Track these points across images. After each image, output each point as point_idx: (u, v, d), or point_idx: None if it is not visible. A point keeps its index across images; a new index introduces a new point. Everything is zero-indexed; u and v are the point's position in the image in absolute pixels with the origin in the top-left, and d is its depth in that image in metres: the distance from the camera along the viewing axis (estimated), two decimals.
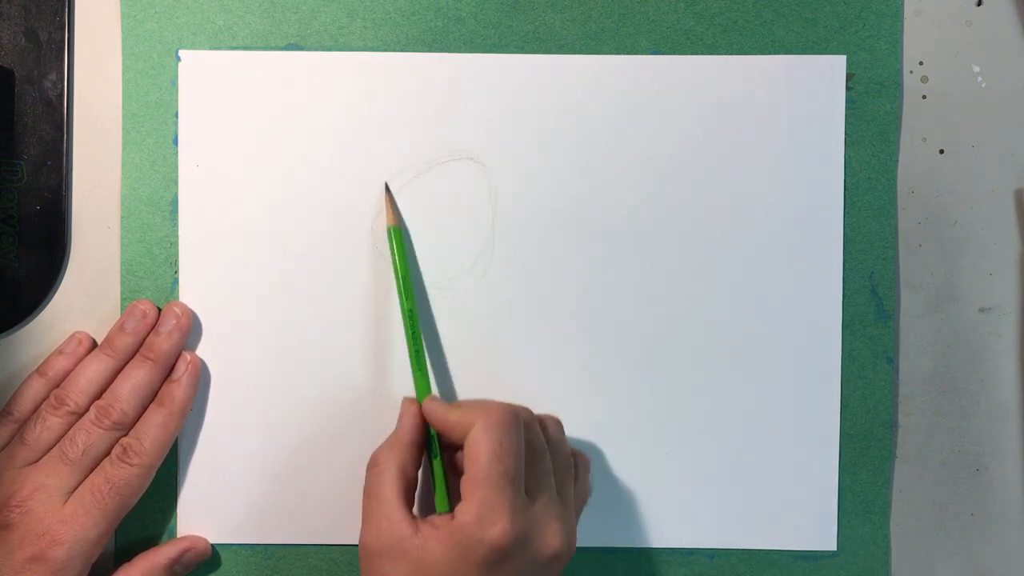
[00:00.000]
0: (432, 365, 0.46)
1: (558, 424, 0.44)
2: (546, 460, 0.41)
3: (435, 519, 0.39)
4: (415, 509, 0.40)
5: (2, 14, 0.45)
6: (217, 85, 0.46)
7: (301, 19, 0.46)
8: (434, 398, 0.43)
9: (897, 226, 0.47)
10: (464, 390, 0.46)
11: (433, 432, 0.42)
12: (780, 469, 0.46)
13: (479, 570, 0.37)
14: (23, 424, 0.43)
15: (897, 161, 0.47)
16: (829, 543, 0.46)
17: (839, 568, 0.47)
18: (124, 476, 0.42)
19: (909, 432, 0.47)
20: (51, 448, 0.43)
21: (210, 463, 0.46)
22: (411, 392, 0.45)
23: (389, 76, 0.46)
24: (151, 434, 0.43)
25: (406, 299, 0.44)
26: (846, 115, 0.46)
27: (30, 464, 0.42)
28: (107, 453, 0.43)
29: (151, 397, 0.44)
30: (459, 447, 0.41)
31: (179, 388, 0.44)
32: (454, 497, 0.41)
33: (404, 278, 0.44)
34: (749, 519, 0.46)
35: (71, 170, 0.46)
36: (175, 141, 0.46)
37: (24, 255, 0.46)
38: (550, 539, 0.39)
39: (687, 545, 0.46)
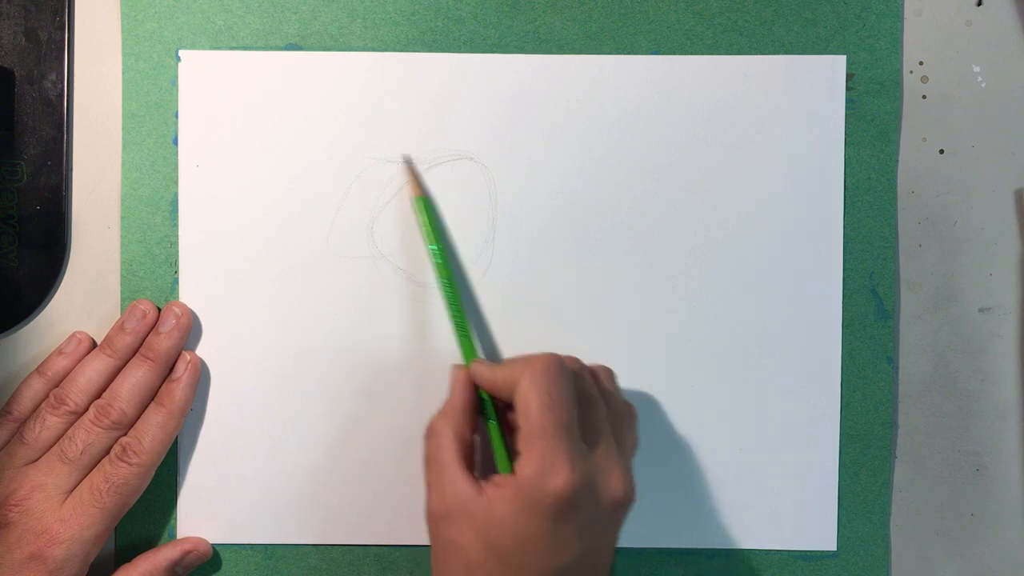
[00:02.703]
0: (432, 366, 0.46)
1: (610, 373, 0.43)
2: (600, 407, 0.40)
3: (497, 478, 0.38)
4: (478, 474, 0.40)
5: (2, 14, 0.45)
6: (217, 85, 0.46)
7: (301, 19, 0.46)
8: (481, 360, 0.43)
9: (897, 226, 0.47)
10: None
11: (485, 395, 0.42)
12: (780, 469, 0.46)
13: (547, 522, 0.37)
14: (23, 423, 0.43)
15: (897, 161, 0.47)
16: (829, 543, 0.46)
17: (839, 568, 0.47)
18: (123, 475, 0.42)
19: (909, 432, 0.47)
20: (50, 447, 0.43)
21: (210, 463, 0.46)
22: (409, 393, 0.45)
23: (389, 76, 0.46)
24: (150, 434, 0.43)
25: (443, 267, 0.44)
26: (846, 115, 0.46)
27: (29, 463, 0.42)
28: (106, 452, 0.43)
29: (151, 397, 0.44)
30: (512, 406, 0.40)
31: (179, 388, 0.44)
32: (513, 457, 0.40)
33: (438, 245, 0.44)
34: (749, 519, 0.46)
35: (71, 170, 0.46)
36: (175, 141, 0.46)
37: (24, 255, 0.46)
38: (613, 485, 0.38)
39: (687, 545, 0.46)
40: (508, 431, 0.42)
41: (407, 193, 0.45)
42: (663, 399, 0.46)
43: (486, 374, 0.41)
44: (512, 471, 0.38)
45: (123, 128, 0.46)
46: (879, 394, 0.46)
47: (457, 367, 0.43)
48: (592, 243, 0.46)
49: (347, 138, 0.46)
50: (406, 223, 0.46)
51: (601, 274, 0.46)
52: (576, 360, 0.42)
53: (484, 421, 0.42)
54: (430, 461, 0.40)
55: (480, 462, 0.43)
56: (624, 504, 0.39)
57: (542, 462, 0.37)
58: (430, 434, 0.41)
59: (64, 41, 0.46)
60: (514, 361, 0.41)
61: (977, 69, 0.47)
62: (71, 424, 0.43)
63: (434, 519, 0.39)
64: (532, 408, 0.38)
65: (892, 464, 0.47)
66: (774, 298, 0.46)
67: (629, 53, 0.46)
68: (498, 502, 0.37)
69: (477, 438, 0.42)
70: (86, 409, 0.43)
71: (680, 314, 0.46)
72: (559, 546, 0.37)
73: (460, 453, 0.40)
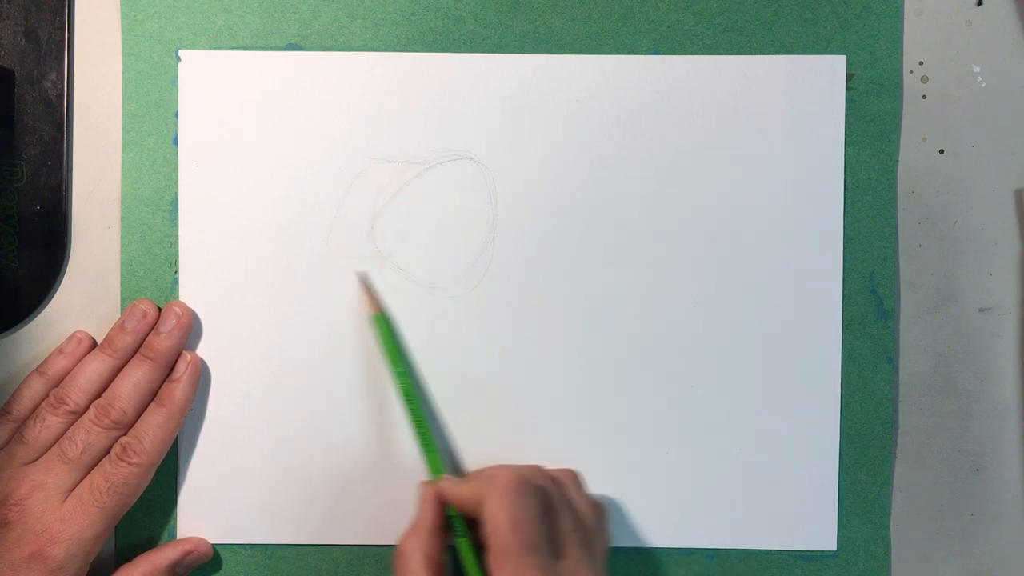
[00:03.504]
0: (431, 366, 0.46)
1: (574, 477, 0.44)
2: (566, 517, 0.40)
3: None
4: None
5: (2, 14, 0.45)
6: (217, 85, 0.46)
7: (301, 19, 0.46)
8: (447, 478, 0.43)
9: (897, 226, 0.47)
10: (463, 392, 0.46)
11: (452, 511, 0.42)
12: (780, 469, 0.46)
13: None
14: (23, 423, 0.43)
15: (897, 161, 0.47)
16: (829, 543, 0.46)
17: (839, 568, 0.47)
18: (123, 475, 0.42)
19: (909, 432, 0.47)
20: (50, 447, 0.43)
21: (210, 463, 0.46)
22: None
23: (389, 76, 0.46)
24: (150, 433, 0.43)
25: (407, 386, 0.44)
26: (846, 115, 0.46)
27: (29, 463, 0.42)
28: (106, 452, 0.43)
29: (151, 396, 0.44)
30: (480, 522, 0.41)
31: (179, 388, 0.44)
32: (485, 572, 0.40)
33: (396, 362, 0.44)
34: (749, 519, 0.46)
35: (71, 170, 0.46)
36: (175, 141, 0.46)
37: (24, 255, 0.46)
38: None
39: (687, 545, 0.46)
40: (478, 546, 0.42)
41: (363, 311, 0.45)
42: (663, 399, 0.46)
43: (453, 492, 0.42)
44: None
45: (123, 128, 0.46)
46: (879, 394, 0.46)
47: (424, 484, 0.43)
48: (592, 243, 0.46)
49: (347, 138, 0.46)
50: (406, 223, 0.46)
51: (601, 274, 0.46)
52: (538, 469, 0.42)
53: (454, 537, 0.43)
54: None
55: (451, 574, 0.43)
56: None
57: None
58: (399, 555, 0.41)
59: (64, 41, 0.46)
60: (479, 477, 0.41)
61: (977, 69, 0.47)
62: (71, 424, 0.43)
63: None
64: (500, 528, 0.38)
65: (892, 464, 0.47)
66: (774, 298, 0.46)
67: (629, 53, 0.46)
68: None
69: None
70: (86, 409, 0.43)
71: (679, 314, 0.46)
72: None
73: (430, 574, 0.40)
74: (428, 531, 0.42)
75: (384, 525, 0.46)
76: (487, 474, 0.41)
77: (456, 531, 0.42)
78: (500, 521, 0.38)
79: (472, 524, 0.42)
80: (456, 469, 0.46)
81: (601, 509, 0.44)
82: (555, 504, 0.41)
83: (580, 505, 0.42)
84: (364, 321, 0.46)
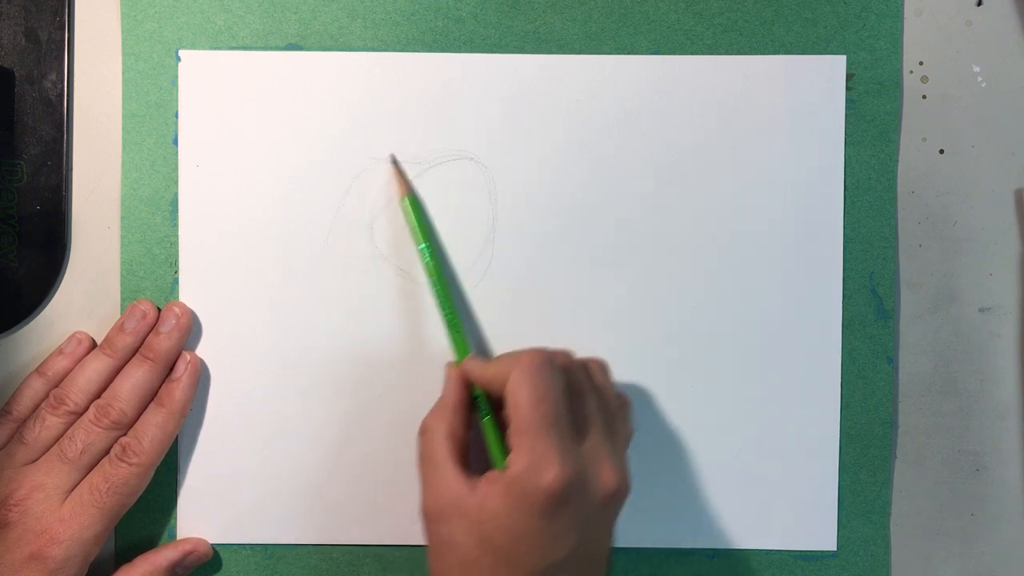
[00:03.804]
0: (432, 365, 0.46)
1: (602, 365, 0.43)
2: (590, 400, 0.40)
3: (490, 474, 0.39)
4: (474, 471, 0.40)
5: (2, 14, 0.45)
6: (217, 85, 0.46)
7: (301, 19, 0.46)
8: (473, 357, 0.43)
9: (897, 226, 0.47)
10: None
11: (478, 391, 0.42)
12: (780, 469, 0.46)
13: (540, 517, 0.37)
14: (22, 423, 0.43)
15: (897, 161, 0.47)
16: (829, 543, 0.46)
17: (839, 568, 0.47)
18: (123, 475, 0.42)
19: (909, 432, 0.47)
20: (50, 447, 0.43)
21: (210, 463, 0.46)
22: (409, 393, 0.45)
23: (389, 76, 0.46)
24: (150, 434, 0.43)
25: (433, 265, 0.44)
26: (846, 115, 0.46)
27: (29, 463, 0.42)
28: (106, 452, 0.43)
29: (151, 397, 0.44)
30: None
31: (179, 388, 0.44)
32: (508, 452, 0.40)
33: (427, 242, 0.44)
34: (749, 519, 0.46)
35: (71, 170, 0.46)
36: (175, 141, 0.46)
37: (24, 255, 0.46)
38: (605, 477, 0.38)
39: (687, 545, 0.46)
40: (502, 426, 0.42)
41: (394, 192, 0.45)
42: (663, 399, 0.46)
43: (478, 370, 0.42)
44: (504, 466, 0.38)
45: (123, 128, 0.46)
46: (879, 394, 0.46)
47: (450, 364, 0.43)
48: (592, 243, 0.46)
49: (347, 138, 0.46)
50: (406, 223, 0.46)
51: (601, 274, 0.46)
52: (566, 354, 0.42)
53: (479, 418, 0.42)
54: (423, 459, 0.40)
55: (476, 458, 0.43)
56: (617, 496, 0.39)
57: (532, 457, 0.37)
58: (423, 432, 0.41)
59: (64, 41, 0.46)
60: (505, 357, 0.41)
61: (977, 69, 0.47)
62: (71, 424, 0.43)
63: (429, 517, 0.39)
64: (521, 403, 0.38)
65: (892, 464, 0.47)
66: (774, 298, 0.46)
67: (629, 53, 0.46)
68: (490, 498, 0.38)
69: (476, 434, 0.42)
70: (86, 409, 0.43)
71: (680, 314, 0.46)
72: (553, 540, 0.37)
73: (453, 450, 0.40)
74: (452, 408, 0.41)
75: (384, 525, 0.46)
76: (514, 353, 0.41)
77: (481, 410, 0.42)
78: (522, 397, 0.38)
79: (497, 406, 0.42)
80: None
81: (626, 399, 0.43)
82: (580, 386, 0.40)
83: (606, 391, 0.42)
84: (365, 314, 0.45)
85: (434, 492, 0.39)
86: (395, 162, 0.45)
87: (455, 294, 0.46)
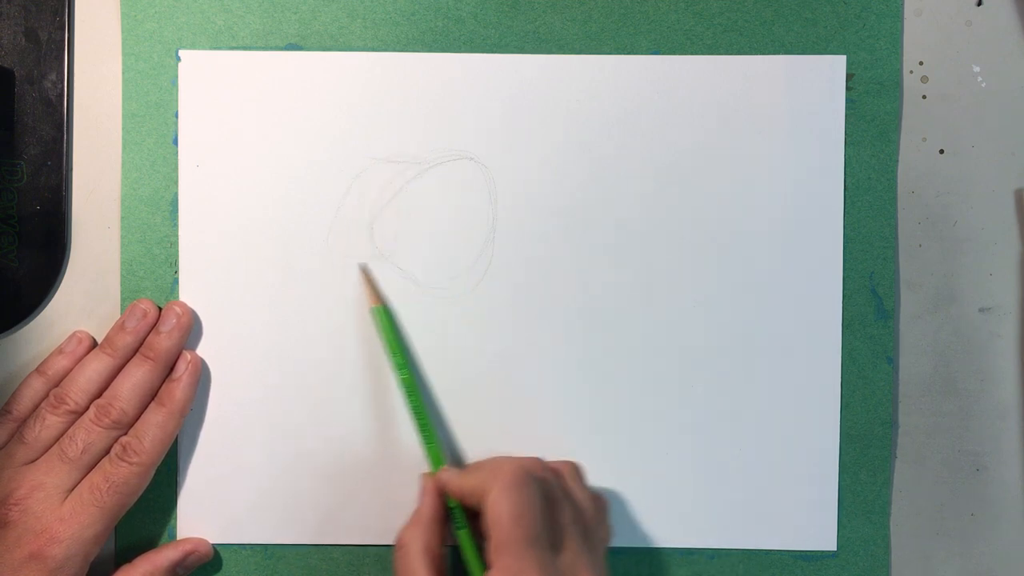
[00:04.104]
0: (431, 366, 0.46)
1: (575, 470, 0.43)
2: (566, 510, 0.40)
3: None
4: None
5: (2, 14, 0.45)
6: (217, 85, 0.46)
7: (301, 19, 0.46)
8: (448, 469, 0.43)
9: (897, 226, 0.47)
10: (462, 391, 0.46)
11: (453, 503, 0.42)
12: (780, 469, 0.46)
13: None
14: (23, 423, 0.43)
15: (897, 161, 0.47)
16: (829, 543, 0.46)
17: (839, 568, 0.47)
18: (123, 475, 0.42)
19: (909, 432, 0.47)
20: (50, 447, 0.43)
21: (210, 463, 0.46)
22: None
23: (389, 76, 0.46)
24: (150, 433, 0.43)
25: (408, 379, 0.44)
26: (846, 115, 0.46)
27: (29, 463, 0.42)
28: (106, 452, 0.43)
29: (151, 396, 0.44)
30: (481, 512, 0.41)
31: (179, 387, 0.44)
32: (485, 563, 0.40)
33: (396, 354, 0.44)
34: (749, 519, 0.46)
35: (71, 170, 0.46)
36: (175, 141, 0.46)
37: (24, 255, 0.46)
38: None
39: (687, 545, 0.46)
40: (479, 537, 0.42)
41: (365, 303, 0.45)
42: (663, 399, 0.46)
43: (455, 482, 0.42)
44: None
45: (123, 128, 0.46)
46: (879, 394, 0.46)
47: (426, 476, 0.43)
48: (592, 243, 0.46)
49: (347, 138, 0.46)
50: (406, 223, 0.46)
51: (601, 274, 0.46)
52: (539, 461, 0.42)
53: (453, 528, 0.43)
54: (400, 574, 0.40)
55: (451, 567, 0.43)
56: None
57: (512, 575, 0.37)
58: (399, 547, 0.41)
59: (64, 41, 0.46)
60: (481, 468, 0.41)
61: (977, 69, 0.47)
62: (71, 423, 0.43)
63: None
64: (502, 519, 0.38)
65: (892, 464, 0.47)
66: (774, 298, 0.46)
67: (629, 53, 0.46)
68: None
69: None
70: (86, 408, 0.43)
71: (679, 314, 0.46)
72: None
73: (430, 565, 0.40)
74: (428, 522, 0.42)
75: (384, 525, 0.46)
76: (489, 465, 0.41)
77: (456, 522, 0.42)
78: (501, 513, 0.38)
79: (473, 516, 0.42)
80: (456, 463, 0.46)
81: (602, 502, 0.43)
82: (556, 497, 0.40)
83: (580, 498, 0.42)
84: (365, 315, 0.46)
85: None
86: (365, 270, 0.45)
87: (429, 403, 0.46)
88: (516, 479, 0.39)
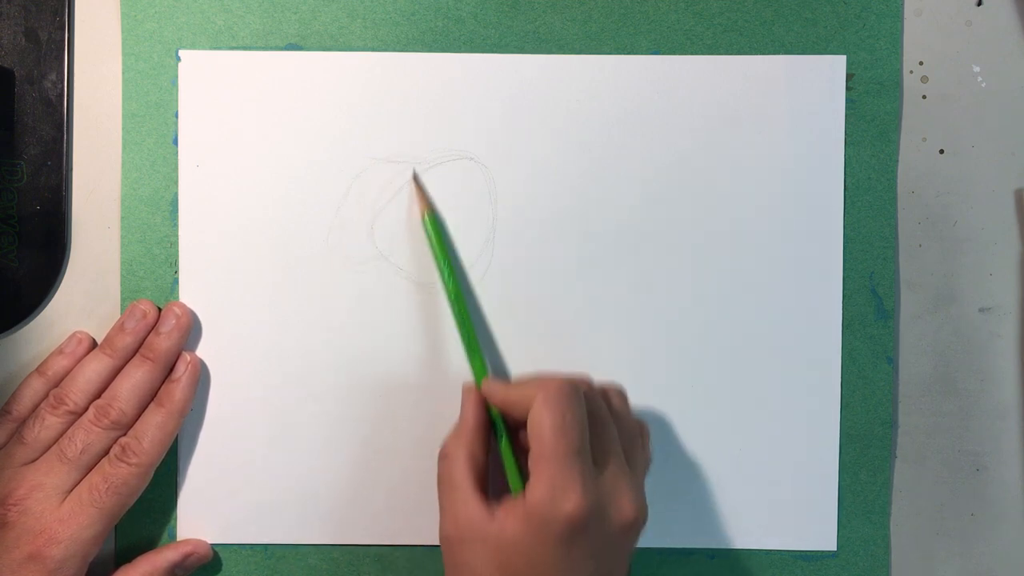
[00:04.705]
0: (432, 365, 0.46)
1: (621, 394, 0.43)
2: (611, 429, 0.40)
3: (510, 501, 0.39)
4: (490, 493, 0.40)
5: (2, 14, 0.45)
6: (217, 85, 0.46)
7: (301, 19, 0.46)
8: (493, 379, 0.43)
9: (897, 226, 0.47)
10: (461, 394, 0.46)
11: (496, 414, 0.42)
12: (780, 469, 0.46)
13: (558, 545, 0.37)
14: (22, 423, 0.43)
15: (897, 161, 0.47)
16: (829, 543, 0.46)
17: (839, 568, 0.47)
18: (122, 475, 0.42)
19: (909, 432, 0.47)
20: (50, 447, 0.43)
21: (210, 463, 0.46)
22: (409, 393, 0.45)
23: (389, 76, 0.46)
24: (150, 434, 0.43)
25: (454, 288, 0.44)
26: (846, 115, 0.46)
27: (28, 463, 0.42)
28: (106, 452, 0.43)
29: (150, 397, 0.44)
30: (524, 425, 0.40)
31: (179, 388, 0.44)
32: (525, 476, 0.40)
33: (447, 262, 0.44)
34: (749, 519, 0.46)
35: (71, 170, 0.46)
36: (175, 141, 0.46)
37: (24, 255, 0.46)
38: (624, 507, 0.38)
39: (687, 545, 0.46)
40: (519, 450, 0.42)
41: (415, 210, 0.45)
42: (663, 399, 0.46)
43: (500, 393, 0.42)
44: (523, 492, 0.38)
45: (123, 128, 0.46)
46: (879, 394, 0.46)
47: (468, 386, 0.43)
48: (592, 243, 0.46)
49: (347, 138, 0.46)
50: (406, 223, 0.46)
51: (601, 274, 0.46)
52: (587, 380, 0.42)
53: (496, 440, 0.42)
54: (443, 483, 0.40)
55: (493, 478, 0.43)
56: (635, 526, 0.39)
57: (553, 485, 0.37)
58: (443, 456, 0.41)
59: (64, 41, 0.46)
60: (527, 381, 0.41)
61: (977, 69, 0.47)
62: (70, 424, 0.43)
63: (448, 543, 0.39)
64: (545, 430, 0.38)
65: (892, 464, 0.47)
66: (774, 298, 0.46)
67: (629, 53, 0.46)
68: (510, 525, 0.38)
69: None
70: (86, 409, 0.43)
71: (680, 314, 0.46)
72: (571, 568, 0.37)
73: (473, 475, 0.40)
74: (472, 432, 0.41)
75: (384, 525, 0.46)
76: (538, 378, 0.41)
77: (498, 433, 0.42)
78: (546, 423, 0.38)
79: (514, 428, 0.42)
80: None
81: (644, 427, 0.43)
82: (600, 415, 0.40)
83: (625, 420, 0.42)
84: (366, 312, 0.45)
85: (454, 517, 0.39)
86: (416, 178, 0.45)
87: (472, 312, 0.46)
88: (562, 392, 0.39)
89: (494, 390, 0.42)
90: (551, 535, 0.37)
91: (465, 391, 0.43)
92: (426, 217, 0.45)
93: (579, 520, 0.37)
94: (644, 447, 0.43)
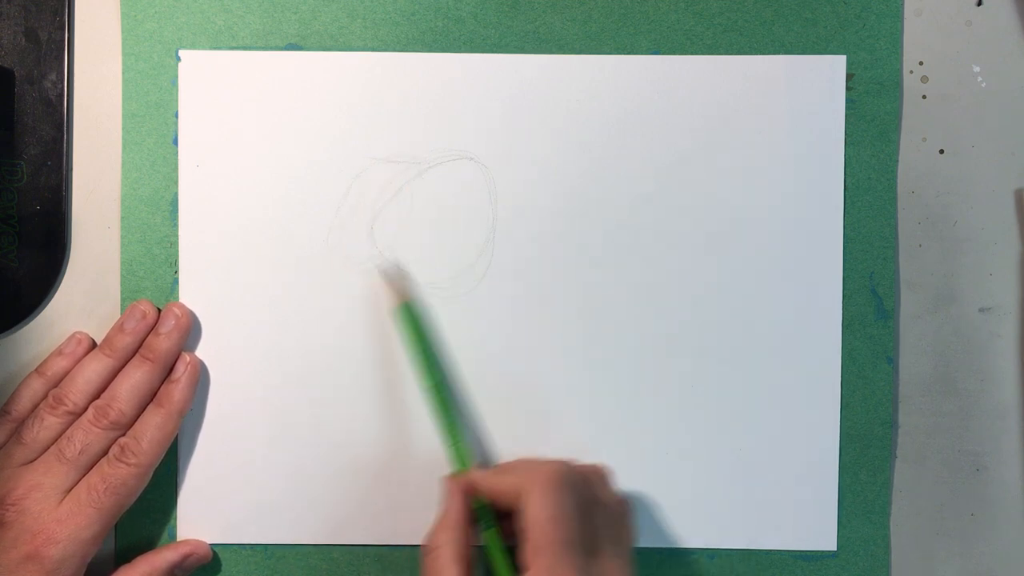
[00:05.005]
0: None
1: (604, 476, 0.43)
2: (598, 514, 0.40)
3: None
4: None
5: (2, 14, 0.45)
6: (217, 85, 0.46)
7: (301, 19, 0.46)
8: (479, 469, 0.43)
9: (897, 226, 0.47)
10: (462, 392, 0.46)
11: (481, 504, 0.42)
12: (780, 469, 0.46)
13: None
14: (21, 423, 0.43)
15: (897, 161, 0.47)
16: (829, 543, 0.46)
17: (839, 568, 0.46)
18: (121, 476, 0.42)
19: (909, 432, 0.47)
20: (48, 447, 0.43)
21: (210, 463, 0.46)
22: (409, 393, 0.45)
23: (389, 76, 0.46)
24: (149, 434, 0.43)
25: (430, 374, 0.44)
26: (846, 115, 0.46)
27: (27, 463, 0.42)
28: (105, 453, 0.43)
29: (150, 397, 0.44)
30: (508, 514, 0.40)
31: (178, 388, 0.44)
32: (510, 565, 0.40)
33: (426, 353, 0.44)
34: (749, 519, 0.46)
35: (71, 170, 0.46)
36: (175, 141, 0.46)
37: (24, 255, 0.46)
38: None
39: (687, 545, 0.46)
40: (505, 537, 0.42)
41: (388, 302, 0.45)
42: (663, 399, 0.46)
43: (487, 483, 0.41)
44: None
45: (123, 128, 0.46)
46: (879, 394, 0.46)
47: (450, 477, 0.43)
48: (592, 243, 0.46)
49: (347, 138, 0.46)
50: (406, 223, 0.46)
51: (601, 274, 0.46)
52: (572, 465, 0.42)
53: (480, 529, 0.42)
54: None
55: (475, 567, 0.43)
56: None
57: None
58: (429, 551, 0.40)
59: (64, 41, 0.46)
60: (513, 468, 0.41)
61: (977, 69, 0.47)
62: (70, 424, 0.43)
63: None
64: (541, 521, 0.38)
65: (892, 464, 0.47)
66: (774, 298, 0.46)
67: (629, 53, 0.46)
68: None
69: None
70: (85, 409, 0.43)
71: (680, 314, 0.46)
72: None
73: (461, 568, 0.39)
74: (458, 524, 0.41)
75: (384, 525, 0.46)
76: (523, 467, 0.41)
77: (483, 522, 0.42)
78: (540, 515, 0.38)
79: (499, 515, 0.42)
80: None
81: (628, 505, 0.43)
82: (589, 501, 0.40)
83: (611, 502, 0.42)
84: (367, 314, 0.45)
85: None
86: (387, 270, 0.45)
87: (453, 399, 0.45)
88: (555, 481, 0.39)
89: (482, 480, 0.42)
90: None
91: (447, 482, 0.42)
92: (402, 309, 0.44)
93: None
94: (629, 526, 0.43)
